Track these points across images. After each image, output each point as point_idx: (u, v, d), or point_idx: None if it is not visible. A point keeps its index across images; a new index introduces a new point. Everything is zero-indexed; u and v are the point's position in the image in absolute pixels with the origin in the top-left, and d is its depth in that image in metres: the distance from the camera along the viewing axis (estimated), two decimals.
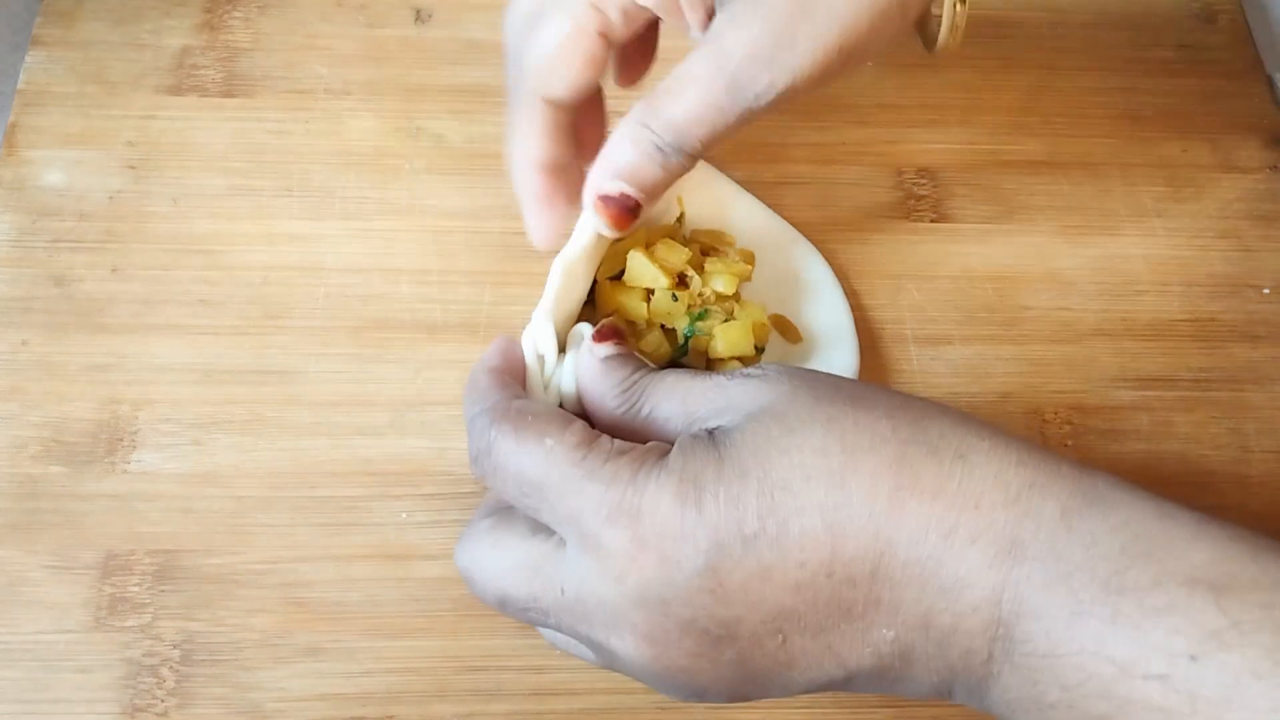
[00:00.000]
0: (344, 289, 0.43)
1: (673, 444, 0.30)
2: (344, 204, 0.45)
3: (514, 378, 0.34)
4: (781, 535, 0.28)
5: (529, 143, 0.37)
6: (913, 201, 0.47)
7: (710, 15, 0.35)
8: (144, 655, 0.36)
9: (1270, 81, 0.51)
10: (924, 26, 0.38)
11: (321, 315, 0.42)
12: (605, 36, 0.35)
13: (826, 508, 0.28)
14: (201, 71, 0.48)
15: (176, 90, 0.47)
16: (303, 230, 0.44)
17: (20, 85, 0.47)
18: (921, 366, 0.43)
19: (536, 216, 0.38)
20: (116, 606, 0.37)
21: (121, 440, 0.40)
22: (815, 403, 0.30)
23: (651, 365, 0.34)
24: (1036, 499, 0.28)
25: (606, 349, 0.34)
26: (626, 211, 0.35)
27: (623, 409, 0.33)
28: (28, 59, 0.47)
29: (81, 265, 0.43)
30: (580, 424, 0.31)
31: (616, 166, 0.34)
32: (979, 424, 0.30)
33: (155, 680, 0.36)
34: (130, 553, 0.38)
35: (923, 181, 0.47)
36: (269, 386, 0.41)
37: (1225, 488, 0.42)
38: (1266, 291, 0.46)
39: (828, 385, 0.31)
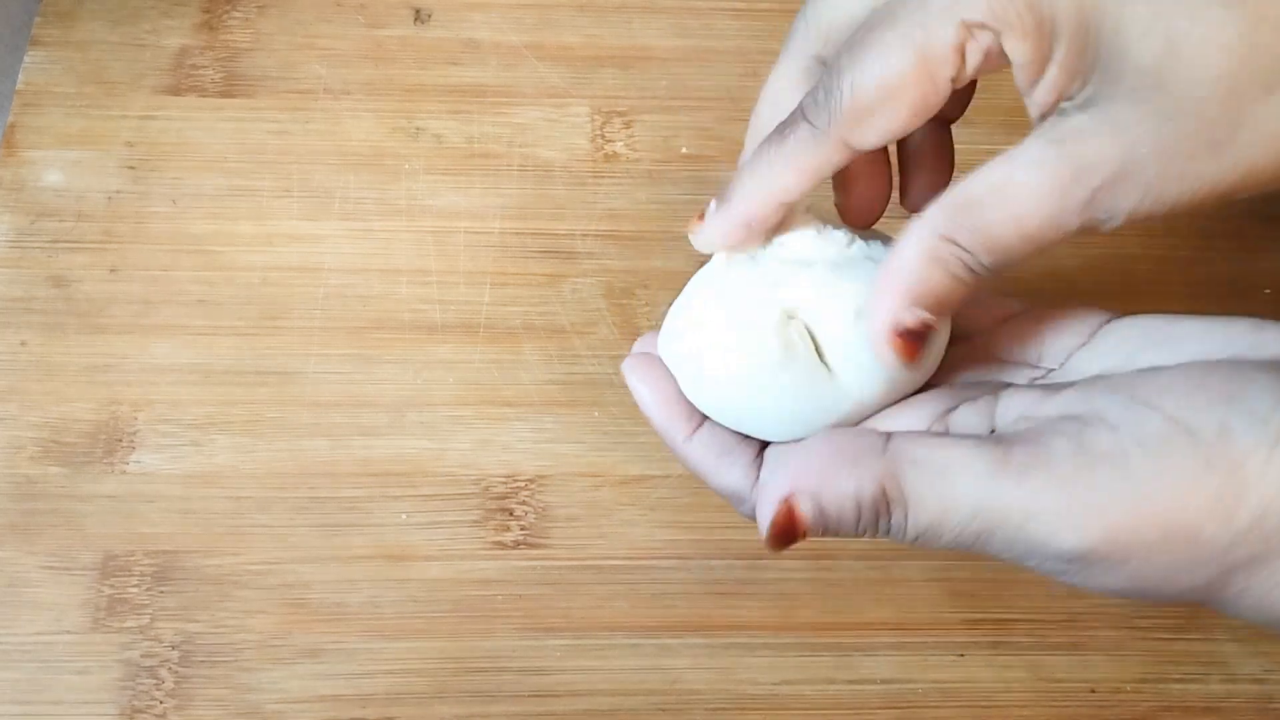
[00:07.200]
0: (343, 289, 0.43)
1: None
2: (343, 204, 0.45)
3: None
4: None
5: (790, 180, 0.29)
6: None
7: (1063, 91, 0.26)
8: (143, 656, 0.36)
9: None
10: None
11: (321, 316, 0.42)
12: (952, 82, 0.26)
13: None
14: (201, 71, 0.47)
15: (176, 90, 0.47)
16: (302, 231, 0.44)
17: (20, 85, 0.46)
18: None
19: (728, 236, 0.30)
20: (115, 607, 0.37)
21: (120, 441, 0.40)
22: None
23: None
24: None
25: None
26: (923, 341, 0.27)
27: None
28: (27, 59, 0.47)
29: (80, 265, 0.43)
30: None
31: (917, 292, 0.27)
32: None
33: (154, 681, 0.36)
34: (129, 554, 0.38)
35: None
36: (268, 387, 0.41)
37: None
38: (1267, 292, 0.46)
39: None
